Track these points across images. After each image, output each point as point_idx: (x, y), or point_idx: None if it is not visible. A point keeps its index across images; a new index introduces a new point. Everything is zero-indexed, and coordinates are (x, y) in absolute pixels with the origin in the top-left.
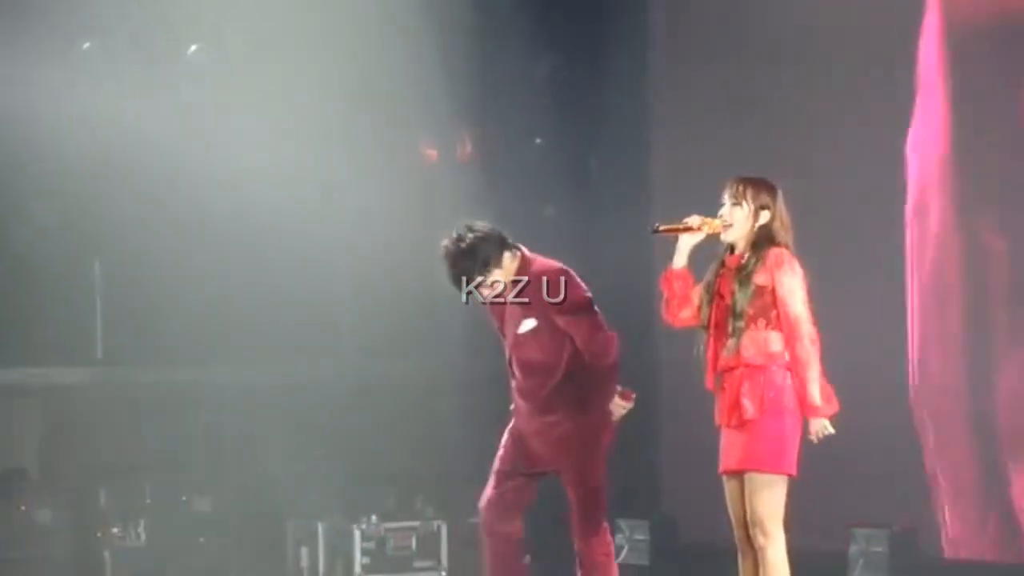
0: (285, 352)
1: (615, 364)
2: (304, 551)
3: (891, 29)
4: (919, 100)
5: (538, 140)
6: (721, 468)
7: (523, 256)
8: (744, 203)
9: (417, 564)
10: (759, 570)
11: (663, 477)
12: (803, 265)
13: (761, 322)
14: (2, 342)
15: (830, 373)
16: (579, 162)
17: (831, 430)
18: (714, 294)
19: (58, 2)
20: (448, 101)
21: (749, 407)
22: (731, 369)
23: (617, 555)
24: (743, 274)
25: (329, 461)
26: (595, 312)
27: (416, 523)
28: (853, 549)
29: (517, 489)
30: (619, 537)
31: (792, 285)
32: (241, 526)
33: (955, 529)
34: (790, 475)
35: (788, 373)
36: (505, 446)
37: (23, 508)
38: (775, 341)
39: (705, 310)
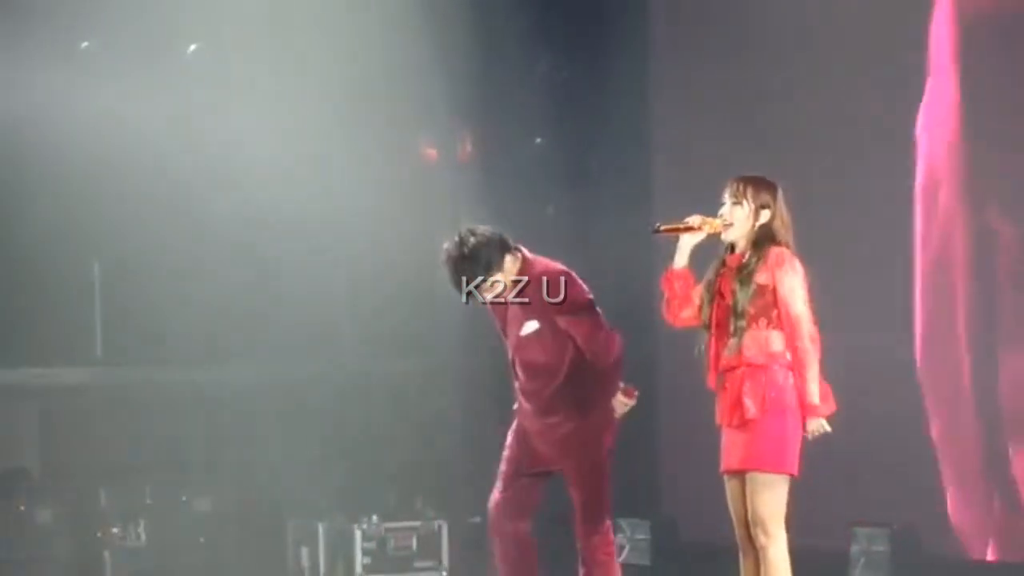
0: (285, 352)
1: (618, 363)
2: (305, 551)
3: (902, 14)
4: (930, 83)
5: (538, 140)
6: (722, 468)
7: (524, 258)
8: (745, 202)
9: (418, 564)
10: (760, 569)
11: (664, 477)
12: (807, 261)
13: (762, 321)
14: (2, 342)
15: (832, 371)
16: (579, 162)
17: (828, 429)
18: (715, 293)
19: (59, 4)
20: (448, 101)
21: (751, 407)
22: (733, 368)
23: (618, 554)
24: (744, 273)
25: (329, 461)
26: (596, 312)
27: (417, 523)
28: (854, 548)
29: (524, 490)
30: (620, 537)
31: (793, 284)
32: (241, 526)
33: (960, 515)
34: (791, 475)
35: (790, 372)
36: (510, 447)
37: (23, 508)
38: (776, 340)
39: (706, 310)
